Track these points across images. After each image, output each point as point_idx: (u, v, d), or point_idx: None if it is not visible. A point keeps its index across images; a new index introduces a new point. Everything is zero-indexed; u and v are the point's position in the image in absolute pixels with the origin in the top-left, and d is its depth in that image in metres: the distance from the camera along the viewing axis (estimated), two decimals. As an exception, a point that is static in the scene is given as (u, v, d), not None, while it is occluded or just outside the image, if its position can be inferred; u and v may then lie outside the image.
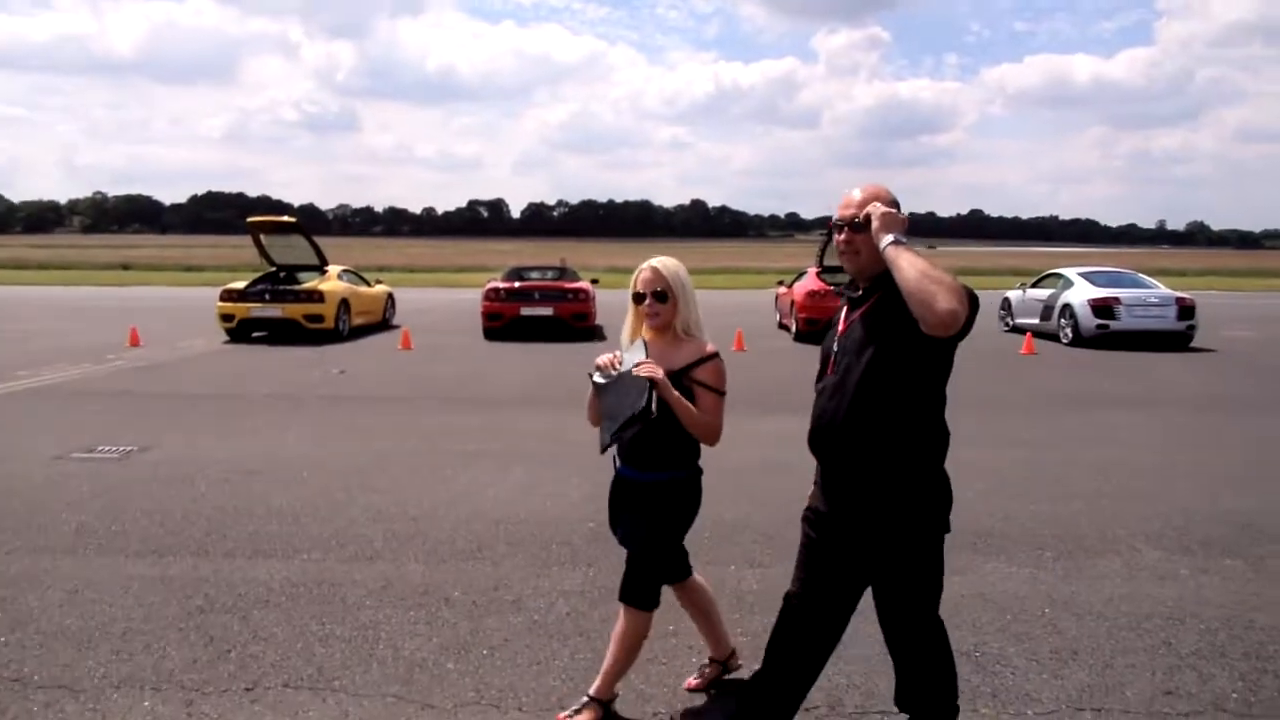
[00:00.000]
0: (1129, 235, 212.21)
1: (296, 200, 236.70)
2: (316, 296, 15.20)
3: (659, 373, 2.87)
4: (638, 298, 3.04)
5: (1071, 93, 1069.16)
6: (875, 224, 2.42)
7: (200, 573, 4.46)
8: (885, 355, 2.45)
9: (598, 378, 2.98)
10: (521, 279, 16.66)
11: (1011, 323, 17.76)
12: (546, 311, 15.56)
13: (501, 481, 6.27)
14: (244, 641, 3.70)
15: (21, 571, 4.45)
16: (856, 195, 2.55)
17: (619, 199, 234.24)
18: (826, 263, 16.21)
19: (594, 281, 17.35)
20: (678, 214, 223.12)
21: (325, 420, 8.57)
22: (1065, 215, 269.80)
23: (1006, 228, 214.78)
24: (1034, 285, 17.55)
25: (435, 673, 3.45)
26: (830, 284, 15.66)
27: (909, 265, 2.29)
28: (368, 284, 17.95)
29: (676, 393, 2.88)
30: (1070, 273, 16.51)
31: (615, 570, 3.26)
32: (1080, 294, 15.50)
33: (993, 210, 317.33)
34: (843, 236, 2.55)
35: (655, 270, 3.02)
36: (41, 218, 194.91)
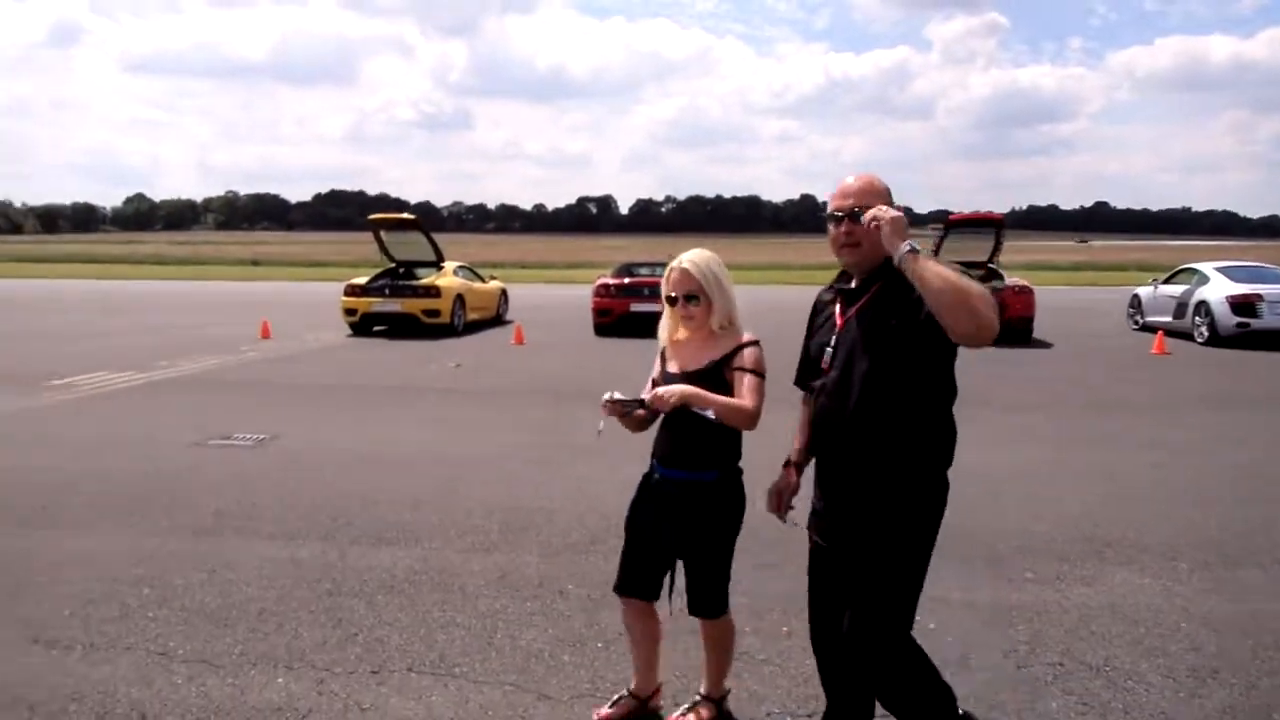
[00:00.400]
0: (1270, 227, 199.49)
1: (413, 198, 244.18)
2: (434, 292, 15.64)
3: (685, 391, 2.75)
4: (671, 300, 2.96)
5: (1206, 76, 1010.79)
6: (886, 229, 2.30)
7: (328, 557, 4.66)
8: (892, 349, 2.38)
9: (602, 425, 2.91)
10: (631, 275, 16.76)
11: (1141, 321, 16.95)
12: (656, 308, 15.53)
13: (614, 476, 6.32)
14: (370, 625, 3.84)
15: (167, 551, 4.73)
16: (852, 183, 2.49)
17: (726, 194, 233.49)
18: (942, 258, 15.77)
19: None
20: (786, 209, 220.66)
21: (442, 412, 8.82)
22: (1199, 206, 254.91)
23: (1134, 220, 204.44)
24: (1166, 281, 16.67)
25: (551, 664, 3.51)
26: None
27: (936, 276, 2.20)
28: (482, 280, 18.37)
29: (714, 396, 2.75)
30: (1206, 267, 15.63)
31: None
32: (1218, 290, 14.65)
33: (1119, 202, 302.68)
34: (842, 228, 2.47)
35: (685, 271, 2.90)
36: (180, 215, 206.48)
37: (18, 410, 8.62)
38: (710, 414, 2.73)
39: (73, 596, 4.11)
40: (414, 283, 16.03)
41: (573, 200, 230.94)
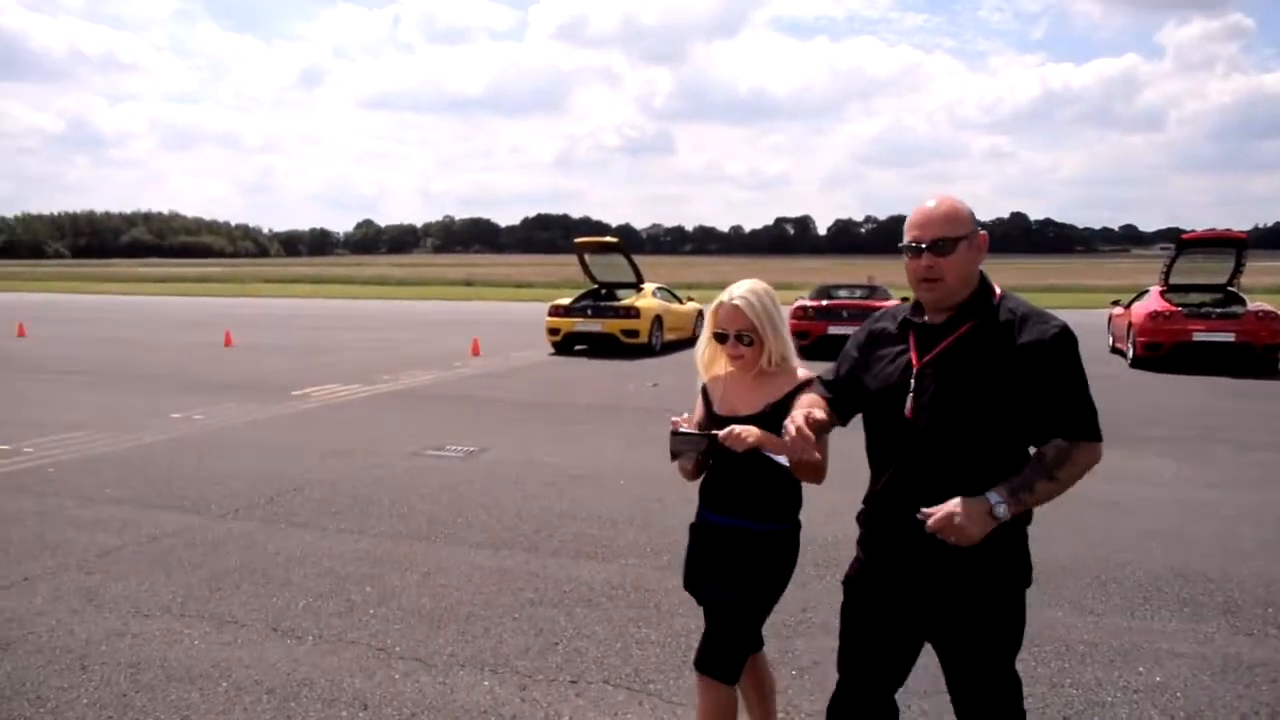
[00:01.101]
0: None
1: (614, 220, 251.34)
2: (633, 313, 16.02)
3: (762, 433, 2.50)
4: (720, 337, 2.67)
5: None
6: (960, 523, 2.05)
7: (531, 567, 4.86)
8: (986, 397, 2.11)
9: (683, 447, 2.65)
10: (830, 297, 16.53)
11: None
12: (855, 329, 15.28)
13: (810, 501, 6.24)
14: (569, 636, 3.97)
15: (386, 553, 5.08)
16: (934, 207, 2.18)
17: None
18: (1173, 281, 14.63)
19: (904, 300, 16.84)
20: (995, 227, 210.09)
21: (640, 431, 9.00)
22: None
23: None
24: None
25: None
26: (1178, 304, 14.10)
27: (1047, 498, 2.12)
28: (679, 301, 18.64)
29: (781, 439, 2.37)
30: None
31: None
32: None
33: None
34: (922, 261, 2.16)
35: (736, 308, 2.61)
36: (401, 240, 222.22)
37: (266, 418, 9.52)
38: (785, 461, 2.48)
39: (306, 590, 4.50)
40: (614, 304, 16.48)
41: (770, 221, 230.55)
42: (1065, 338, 2.13)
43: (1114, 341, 16.39)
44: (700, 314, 19.39)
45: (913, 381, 2.18)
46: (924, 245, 2.15)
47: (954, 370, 2.14)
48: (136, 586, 4.55)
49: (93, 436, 8.30)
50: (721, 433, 2.53)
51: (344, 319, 26.00)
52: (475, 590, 4.52)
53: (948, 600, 2.20)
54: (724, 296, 2.67)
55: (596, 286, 17.47)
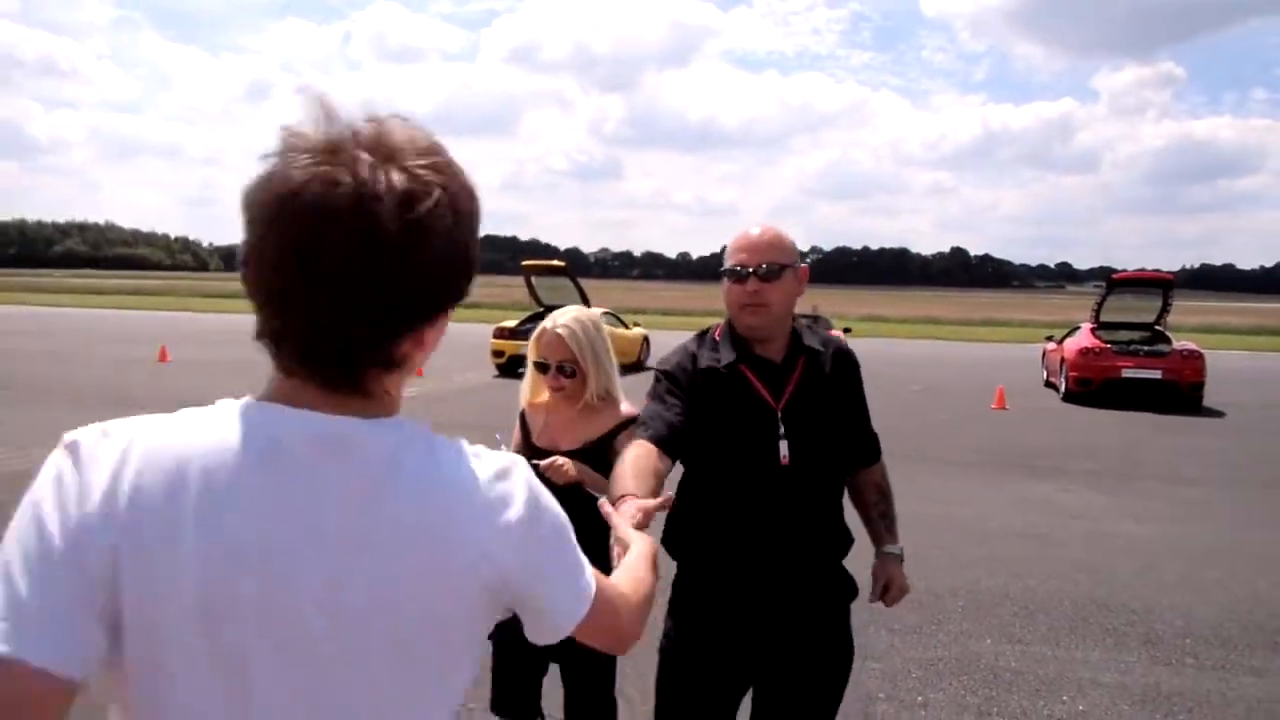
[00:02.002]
0: None
1: (562, 244, 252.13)
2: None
3: (582, 467, 2.37)
4: (540, 367, 2.54)
5: None
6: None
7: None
8: (839, 431, 2.12)
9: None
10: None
11: (1328, 392, 15.63)
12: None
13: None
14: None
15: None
16: (757, 235, 2.06)
17: (874, 245, 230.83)
18: (1104, 318, 15.08)
19: (846, 330, 17.16)
20: (936, 261, 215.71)
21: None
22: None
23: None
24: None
25: None
26: (1108, 341, 14.54)
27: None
28: (625, 326, 18.70)
29: (602, 479, 2.17)
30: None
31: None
32: None
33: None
34: (748, 286, 2.02)
35: (560, 339, 2.48)
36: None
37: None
38: (601, 499, 2.25)
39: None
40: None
41: (717, 249, 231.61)
42: (854, 357, 2.21)
43: (1048, 376, 16.84)
44: (646, 339, 19.53)
45: (781, 426, 2.03)
46: (750, 270, 2.02)
47: (810, 409, 2.06)
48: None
49: (12, 455, 8.04)
50: (544, 462, 2.35)
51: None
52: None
53: (787, 630, 2.08)
54: (547, 323, 2.53)
55: (542, 309, 17.45)
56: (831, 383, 2.10)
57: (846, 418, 2.13)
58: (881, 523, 2.21)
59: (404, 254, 0.80)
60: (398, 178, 0.80)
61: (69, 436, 0.84)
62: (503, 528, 0.89)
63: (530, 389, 2.68)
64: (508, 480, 0.92)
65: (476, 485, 0.90)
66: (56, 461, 0.82)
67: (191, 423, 0.85)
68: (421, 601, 0.86)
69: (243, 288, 0.84)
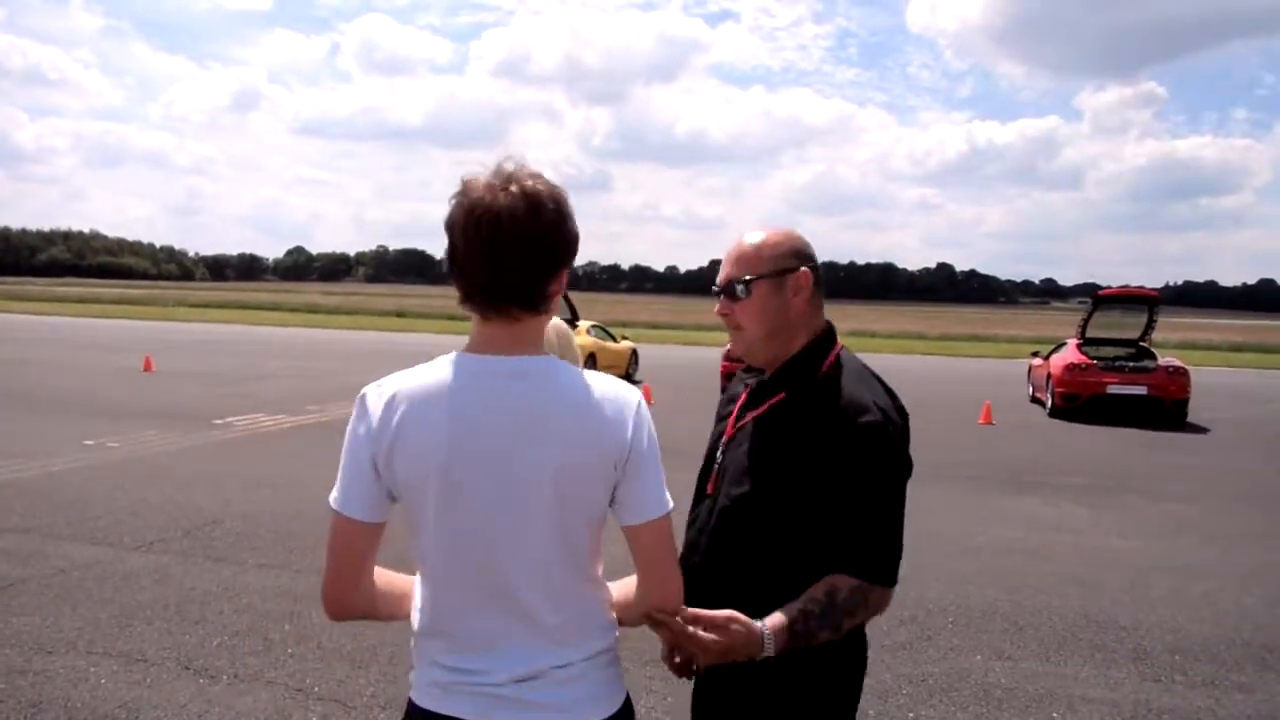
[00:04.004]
0: None
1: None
2: (565, 349, 16.02)
3: None
4: None
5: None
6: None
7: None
8: (772, 490, 1.65)
9: None
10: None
11: (1311, 408, 15.76)
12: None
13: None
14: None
15: (307, 590, 4.95)
16: (735, 244, 1.77)
17: (860, 260, 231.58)
18: (1090, 334, 15.17)
19: (625, 339, 17.31)
20: (922, 277, 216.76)
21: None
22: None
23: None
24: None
25: (669, 730, 3.48)
26: (1094, 358, 14.63)
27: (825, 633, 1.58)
28: (614, 339, 18.70)
29: None
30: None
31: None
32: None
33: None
34: (718, 308, 1.79)
35: None
36: (334, 268, 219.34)
37: (185, 447, 9.24)
38: None
39: (222, 627, 4.36)
40: (549, 340, 16.47)
41: (705, 263, 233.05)
42: (875, 437, 1.61)
43: (1034, 391, 16.91)
44: (634, 353, 19.53)
45: (721, 450, 1.80)
46: (717, 289, 1.78)
47: (754, 449, 1.71)
48: (40, 621, 4.36)
49: (-1, 462, 7.96)
50: None
51: (273, 347, 25.45)
52: (399, 630, 4.41)
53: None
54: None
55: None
56: (798, 443, 1.64)
57: (794, 492, 1.63)
58: (795, 603, 1.57)
59: (528, 228, 1.35)
60: (516, 189, 1.36)
61: (362, 391, 1.41)
62: (635, 434, 1.39)
63: None
64: (634, 403, 1.42)
65: (617, 405, 1.40)
66: (356, 406, 1.40)
67: (425, 371, 1.40)
68: (570, 473, 1.36)
69: (455, 285, 1.39)
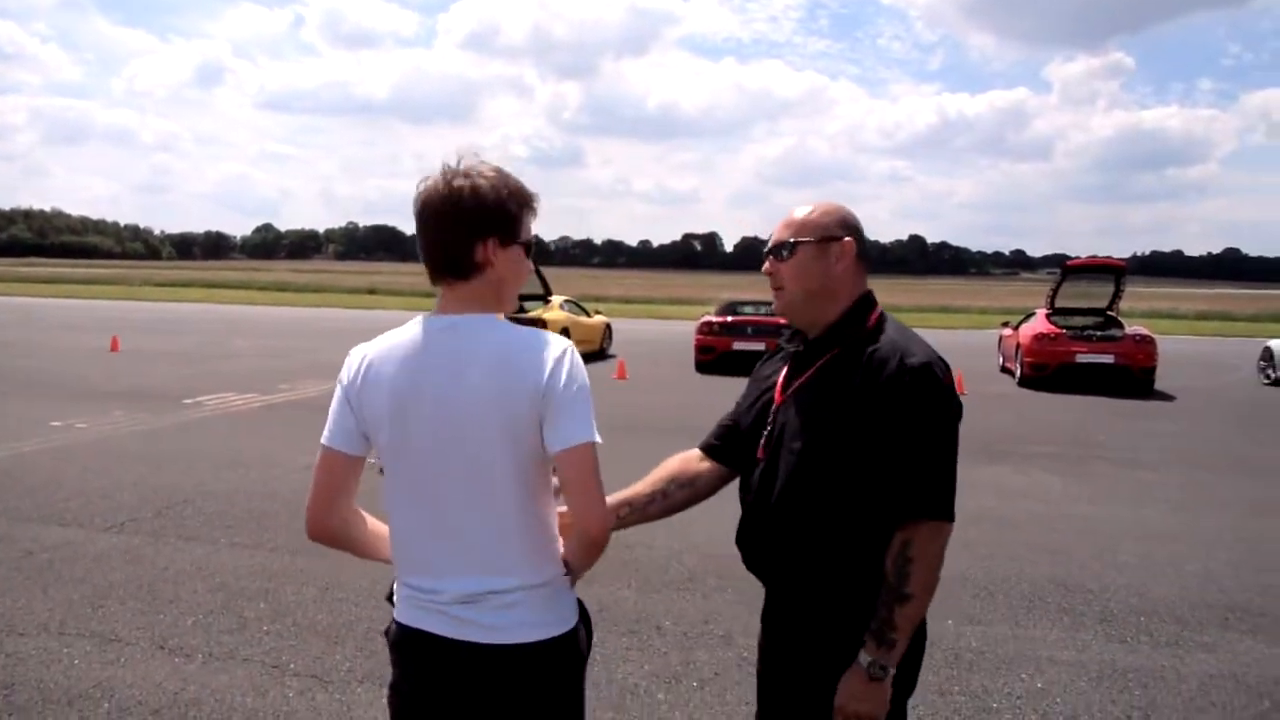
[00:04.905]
0: None
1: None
2: (541, 325, 15.92)
3: None
4: None
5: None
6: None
7: (432, 582, 4.78)
8: (830, 440, 1.75)
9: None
10: (735, 313, 16.77)
11: (1274, 375, 16.05)
12: (759, 346, 15.58)
13: (713, 514, 6.31)
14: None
15: (282, 567, 4.94)
16: (798, 215, 1.89)
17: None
18: (1059, 304, 15.32)
19: (598, 313, 17.37)
20: (894, 249, 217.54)
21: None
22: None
23: (1269, 268, 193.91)
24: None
25: (646, 701, 3.53)
26: (1062, 327, 14.78)
27: (917, 618, 1.81)
28: (587, 314, 18.66)
29: None
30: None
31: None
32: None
33: (1252, 249, 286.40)
34: (765, 267, 1.92)
35: None
36: (302, 245, 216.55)
37: (156, 427, 9.15)
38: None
39: (196, 606, 4.35)
40: (521, 315, 16.40)
41: (678, 237, 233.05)
42: (922, 376, 1.71)
43: (1003, 361, 17.09)
44: (608, 327, 19.50)
45: (772, 416, 1.88)
46: (766, 250, 1.92)
47: (806, 407, 1.81)
48: (11, 604, 4.32)
49: (-36, 445, 7.84)
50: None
51: (242, 326, 25.18)
52: (375, 605, 4.42)
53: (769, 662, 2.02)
54: None
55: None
56: (855, 390, 1.73)
57: (851, 440, 1.73)
58: (872, 618, 1.73)
59: (442, 207, 1.61)
60: (446, 178, 1.62)
61: (351, 350, 1.69)
62: (551, 374, 1.56)
63: None
64: (559, 351, 1.60)
65: (536, 350, 1.59)
66: (345, 361, 1.69)
67: (394, 333, 1.66)
68: (497, 409, 1.56)
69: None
